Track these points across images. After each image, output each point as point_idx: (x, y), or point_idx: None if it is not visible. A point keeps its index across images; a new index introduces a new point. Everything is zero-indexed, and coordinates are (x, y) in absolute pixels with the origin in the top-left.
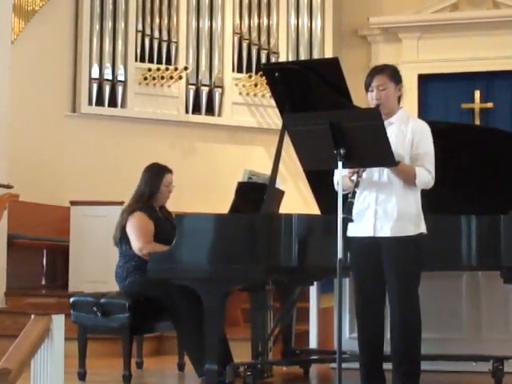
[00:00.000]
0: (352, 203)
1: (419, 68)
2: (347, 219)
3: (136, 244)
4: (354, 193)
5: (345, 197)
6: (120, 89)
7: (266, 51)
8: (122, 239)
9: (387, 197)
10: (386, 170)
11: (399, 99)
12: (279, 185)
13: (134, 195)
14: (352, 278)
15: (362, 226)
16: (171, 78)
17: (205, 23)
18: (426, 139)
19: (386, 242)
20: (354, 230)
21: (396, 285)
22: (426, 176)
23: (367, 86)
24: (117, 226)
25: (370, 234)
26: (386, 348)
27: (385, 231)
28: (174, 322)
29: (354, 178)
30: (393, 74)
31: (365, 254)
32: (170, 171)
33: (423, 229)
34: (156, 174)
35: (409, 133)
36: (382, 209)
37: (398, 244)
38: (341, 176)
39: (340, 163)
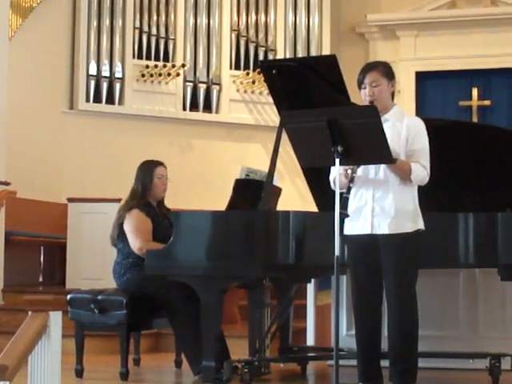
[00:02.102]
0: (347, 199)
1: (417, 65)
2: (343, 214)
3: (134, 243)
4: (349, 188)
5: (341, 194)
6: (117, 86)
7: (263, 48)
8: (120, 236)
9: (384, 194)
10: (382, 167)
11: (393, 95)
12: (276, 182)
13: (130, 193)
14: (349, 275)
15: (359, 224)
16: (169, 75)
17: (202, 20)
18: (421, 135)
19: (384, 239)
20: (351, 228)
21: (393, 282)
22: (421, 172)
23: (360, 83)
24: (114, 224)
25: (367, 231)
26: (383, 345)
27: (382, 228)
28: (170, 320)
29: (349, 172)
30: (385, 70)
31: (362, 251)
32: (161, 164)
33: (421, 225)
34: (147, 169)
35: (404, 129)
36: (379, 206)
37: (395, 241)
38: (332, 175)
39: (337, 160)
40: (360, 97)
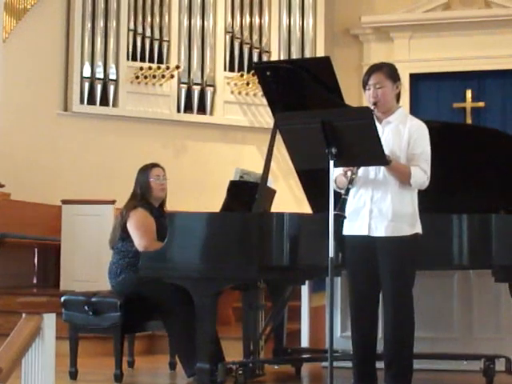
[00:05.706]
0: (345, 200)
1: (411, 67)
2: (340, 216)
3: (140, 241)
4: (347, 190)
5: (339, 195)
6: (112, 88)
7: (257, 50)
8: (120, 236)
9: (383, 196)
10: (382, 169)
11: (398, 97)
12: (271, 183)
13: (130, 197)
14: (346, 276)
15: (356, 225)
16: (163, 76)
17: (196, 22)
18: (423, 139)
19: (381, 241)
20: (349, 229)
21: (390, 285)
22: (421, 176)
23: (364, 85)
24: (115, 226)
25: (364, 232)
26: (379, 346)
27: (379, 231)
28: (164, 322)
29: (349, 174)
30: (390, 72)
31: (359, 252)
32: (157, 165)
33: (419, 229)
34: (143, 171)
35: (406, 132)
36: (377, 208)
37: (392, 244)
38: (334, 174)
39: (331, 162)
40: (354, 98)
